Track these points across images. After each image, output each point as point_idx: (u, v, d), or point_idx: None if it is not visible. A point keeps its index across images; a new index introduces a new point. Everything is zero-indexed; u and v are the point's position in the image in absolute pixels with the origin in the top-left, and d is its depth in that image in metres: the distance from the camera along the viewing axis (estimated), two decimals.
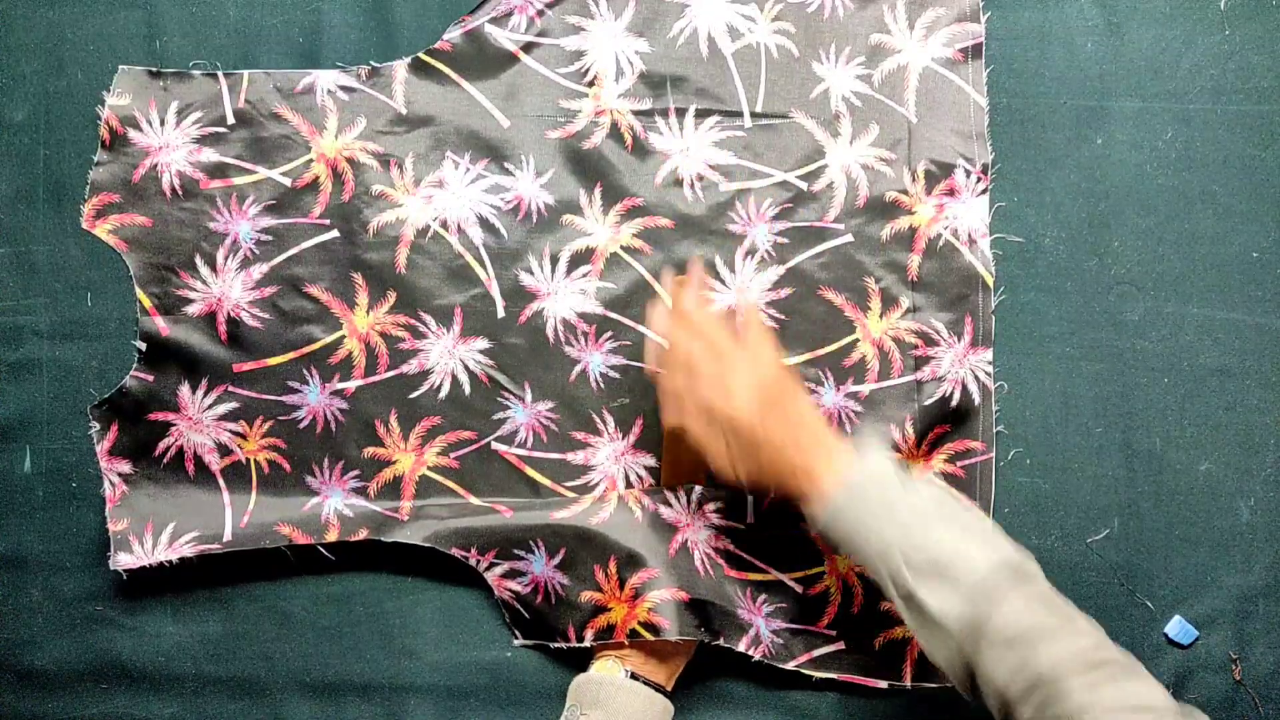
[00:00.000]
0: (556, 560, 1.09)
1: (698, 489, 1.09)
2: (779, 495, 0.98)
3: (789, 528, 1.09)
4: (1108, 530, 1.10)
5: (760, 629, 1.09)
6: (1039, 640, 0.80)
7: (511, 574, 1.09)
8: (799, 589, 1.10)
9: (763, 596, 1.10)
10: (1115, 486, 1.10)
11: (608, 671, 1.02)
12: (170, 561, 1.09)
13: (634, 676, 1.02)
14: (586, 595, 1.09)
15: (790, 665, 1.09)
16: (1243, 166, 1.10)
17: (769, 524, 1.10)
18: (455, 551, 1.08)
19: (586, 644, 1.08)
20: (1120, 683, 0.77)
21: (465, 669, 1.10)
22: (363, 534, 1.09)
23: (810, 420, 0.94)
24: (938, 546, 0.86)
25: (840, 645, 1.09)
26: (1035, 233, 1.10)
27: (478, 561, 1.09)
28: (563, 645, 1.09)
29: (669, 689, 1.05)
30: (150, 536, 1.09)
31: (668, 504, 1.10)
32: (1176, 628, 1.09)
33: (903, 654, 1.09)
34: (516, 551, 1.09)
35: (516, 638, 1.10)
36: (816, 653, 1.09)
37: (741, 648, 1.08)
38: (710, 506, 1.10)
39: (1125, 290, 1.10)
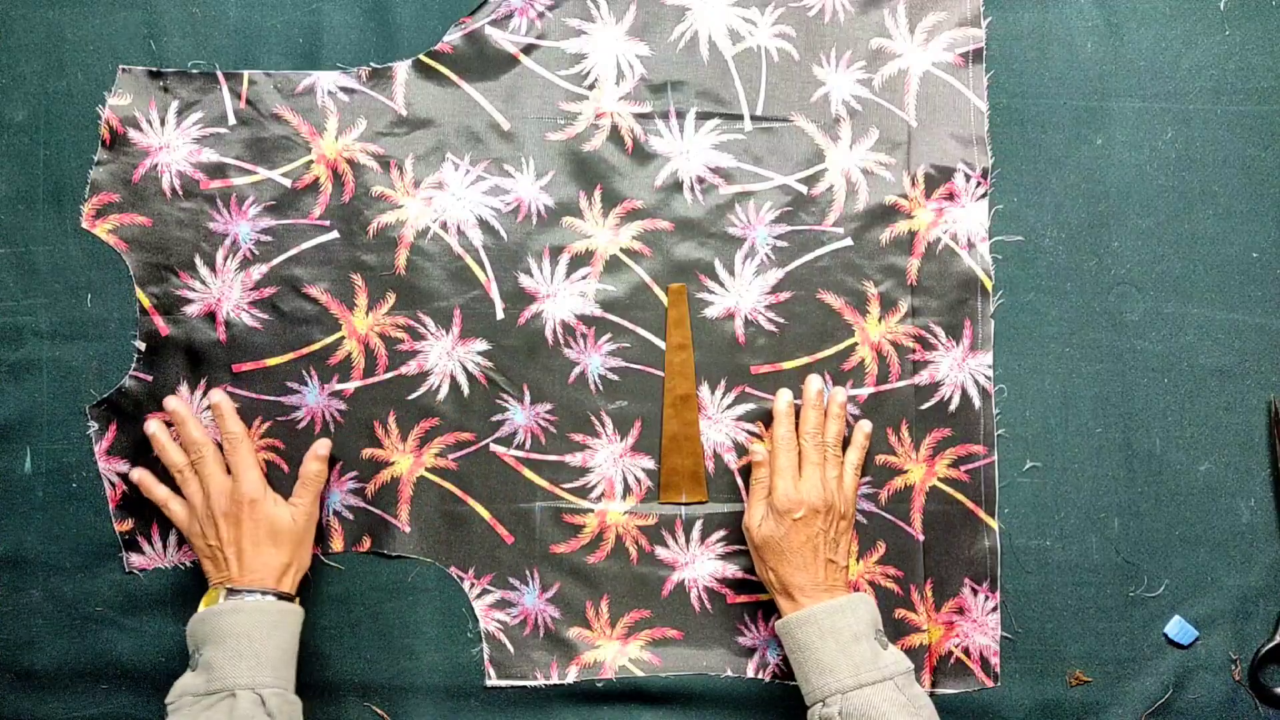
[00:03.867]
0: (549, 594, 1.10)
1: (699, 523, 1.10)
2: (770, 568, 1.03)
3: None
4: (1108, 530, 1.10)
5: (768, 651, 1.10)
6: None
7: (502, 604, 1.10)
8: None
9: (775, 615, 1.10)
10: (1115, 486, 1.10)
11: (209, 603, 1.00)
12: (185, 564, 1.09)
13: (234, 591, 1.00)
14: (575, 631, 1.10)
15: None
16: (1243, 166, 1.10)
17: None
18: (454, 570, 1.10)
19: (569, 681, 1.09)
20: None
21: (465, 669, 1.10)
22: (366, 544, 1.10)
23: (841, 558, 1.04)
24: (873, 703, 0.94)
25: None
26: (1035, 233, 1.10)
27: (471, 585, 1.10)
28: (541, 684, 1.09)
29: (288, 589, 1.03)
30: (158, 537, 1.10)
31: (665, 544, 1.10)
32: (1176, 628, 1.09)
33: (920, 661, 1.09)
34: (511, 580, 1.10)
35: (490, 678, 1.10)
36: None
37: (750, 673, 1.09)
38: (714, 537, 1.10)
39: (1125, 290, 1.10)
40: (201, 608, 1.01)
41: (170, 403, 1.07)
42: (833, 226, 1.10)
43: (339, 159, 1.10)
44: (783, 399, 1.07)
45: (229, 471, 1.05)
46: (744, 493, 1.10)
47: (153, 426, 1.07)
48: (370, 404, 1.10)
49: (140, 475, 1.08)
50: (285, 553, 1.03)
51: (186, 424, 1.05)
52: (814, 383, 1.07)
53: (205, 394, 1.09)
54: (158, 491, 1.07)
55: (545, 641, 1.10)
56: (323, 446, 1.07)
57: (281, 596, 1.01)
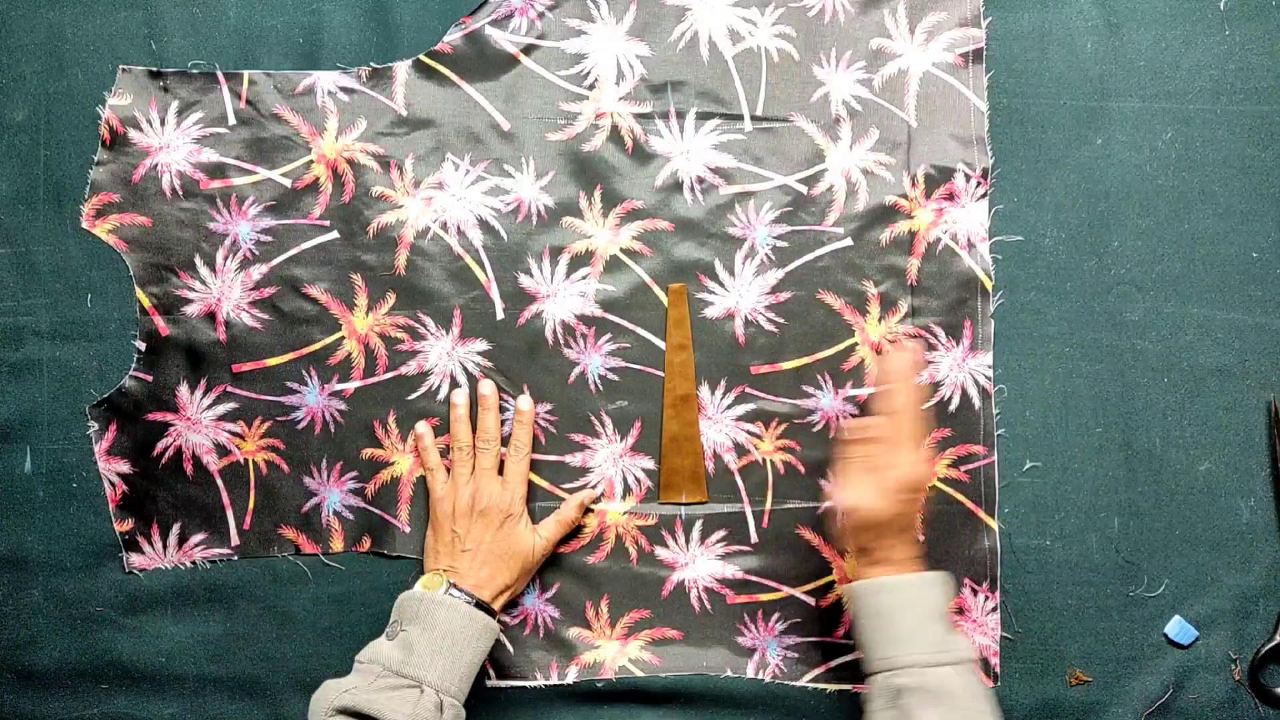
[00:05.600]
0: (549, 594, 1.10)
1: (699, 523, 1.10)
2: (849, 544, 1.00)
3: (792, 539, 1.11)
4: (1108, 530, 1.10)
5: (768, 651, 1.10)
6: None
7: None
8: (811, 601, 1.10)
9: (775, 615, 1.10)
10: (1115, 486, 1.10)
11: (431, 587, 1.01)
12: (185, 564, 1.10)
13: (456, 589, 1.01)
14: (575, 631, 1.10)
15: (803, 681, 1.09)
16: (1243, 166, 1.10)
17: (772, 539, 1.11)
18: None
19: (569, 681, 1.09)
20: None
21: None
22: (366, 544, 1.10)
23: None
24: (950, 682, 0.91)
25: (858, 655, 1.10)
26: (1035, 233, 1.10)
27: None
28: (540, 684, 1.09)
29: (496, 608, 1.04)
30: (158, 537, 1.10)
31: (664, 544, 1.10)
32: (1176, 628, 1.09)
33: None
34: None
35: (490, 678, 1.10)
36: (835, 663, 1.10)
37: (750, 673, 1.09)
38: (714, 537, 1.10)
39: (1125, 290, 1.10)
40: (419, 587, 1.02)
41: (485, 387, 1.09)
42: (833, 227, 1.10)
43: (339, 159, 1.10)
44: (901, 359, 0.99)
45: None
46: (740, 491, 1.10)
47: (459, 396, 1.09)
48: (370, 404, 1.10)
49: (424, 431, 1.10)
50: (511, 575, 1.05)
51: (490, 413, 1.09)
52: (906, 354, 1.01)
53: (206, 394, 1.10)
54: (433, 455, 1.09)
55: (545, 641, 1.10)
56: (587, 498, 1.10)
57: (489, 613, 1.03)
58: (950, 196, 1.10)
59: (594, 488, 1.11)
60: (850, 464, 0.97)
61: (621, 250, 1.10)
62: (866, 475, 0.96)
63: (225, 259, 1.10)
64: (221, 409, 1.10)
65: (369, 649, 0.98)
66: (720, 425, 1.10)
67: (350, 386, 1.10)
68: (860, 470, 0.97)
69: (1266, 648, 1.09)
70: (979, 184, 1.09)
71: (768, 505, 1.10)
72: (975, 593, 1.10)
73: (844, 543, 1.00)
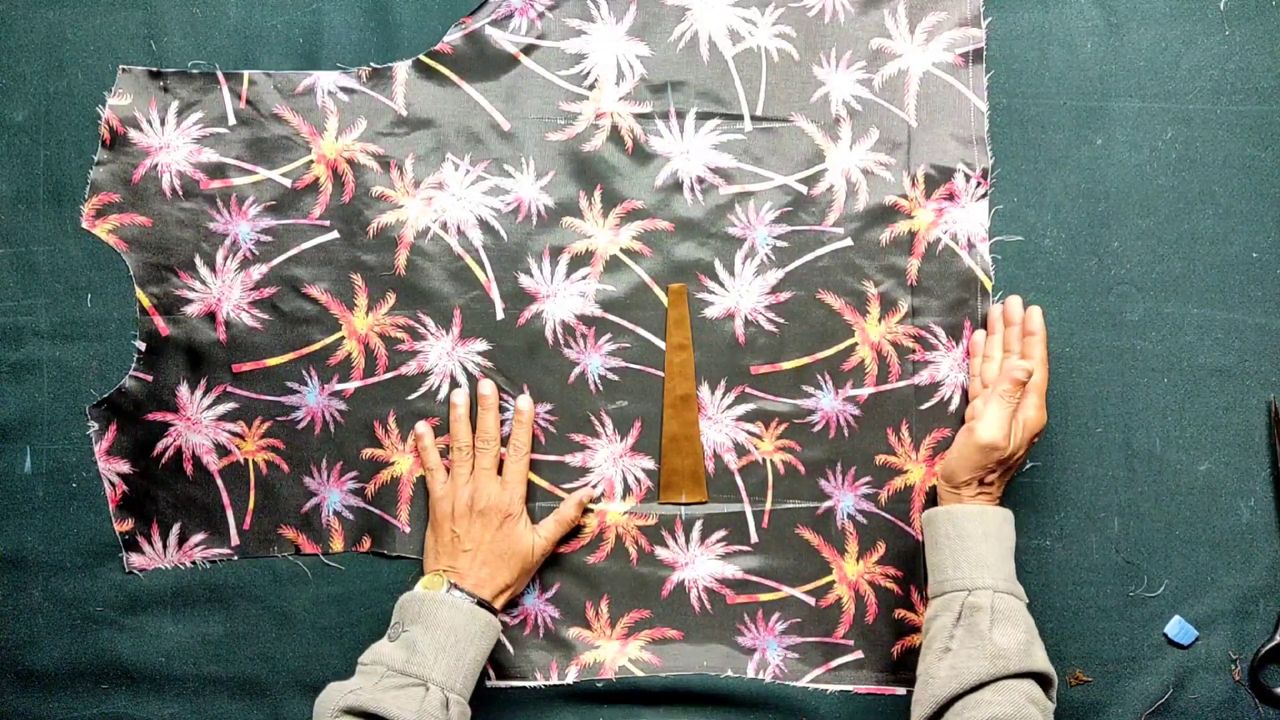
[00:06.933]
0: (549, 594, 1.10)
1: (699, 523, 1.10)
2: (966, 474, 1.01)
3: (792, 539, 1.11)
4: (1108, 530, 1.10)
5: (768, 651, 1.10)
6: None
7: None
8: (811, 601, 1.10)
9: (775, 615, 1.10)
10: (1115, 486, 1.10)
11: (432, 587, 1.02)
12: (185, 564, 1.10)
13: (457, 589, 1.02)
14: (575, 631, 1.10)
15: (804, 681, 1.09)
16: (1243, 166, 1.10)
17: (772, 539, 1.11)
18: None
19: (569, 681, 1.09)
20: None
21: None
22: (366, 544, 1.10)
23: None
24: (1018, 611, 0.96)
25: (859, 654, 1.10)
26: (1035, 233, 1.10)
27: None
28: (540, 684, 1.09)
29: (497, 607, 1.04)
30: (158, 537, 1.10)
31: (664, 544, 1.10)
32: (1176, 628, 1.09)
33: None
34: None
35: (490, 678, 1.10)
36: (835, 663, 1.10)
37: (751, 673, 1.09)
38: (714, 537, 1.11)
39: (1125, 290, 1.10)
40: (419, 588, 1.02)
41: (485, 387, 1.09)
42: (833, 227, 1.10)
43: (339, 159, 1.10)
44: (1040, 315, 1.06)
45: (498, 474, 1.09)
46: (740, 491, 1.10)
47: (459, 396, 1.09)
48: (370, 404, 1.10)
49: (424, 431, 1.10)
50: (511, 575, 1.06)
51: (490, 413, 1.09)
52: (1039, 310, 1.07)
53: (206, 394, 1.10)
54: (432, 455, 1.09)
55: (545, 642, 1.10)
56: (585, 496, 1.11)
57: (490, 611, 1.03)
58: (950, 196, 1.10)
59: (594, 487, 1.11)
60: (1003, 404, 0.99)
61: (621, 250, 1.10)
62: (1010, 417, 0.99)
63: (225, 259, 1.10)
64: (221, 409, 1.10)
65: (371, 650, 0.98)
66: (720, 425, 1.10)
67: (350, 386, 1.10)
68: (1008, 411, 0.99)
69: (1266, 648, 1.09)
70: (979, 184, 1.10)
71: (768, 505, 1.10)
72: None
73: (958, 471, 1.00)
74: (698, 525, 1.11)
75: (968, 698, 0.90)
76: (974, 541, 0.98)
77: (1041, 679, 0.92)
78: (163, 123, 1.10)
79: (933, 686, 0.92)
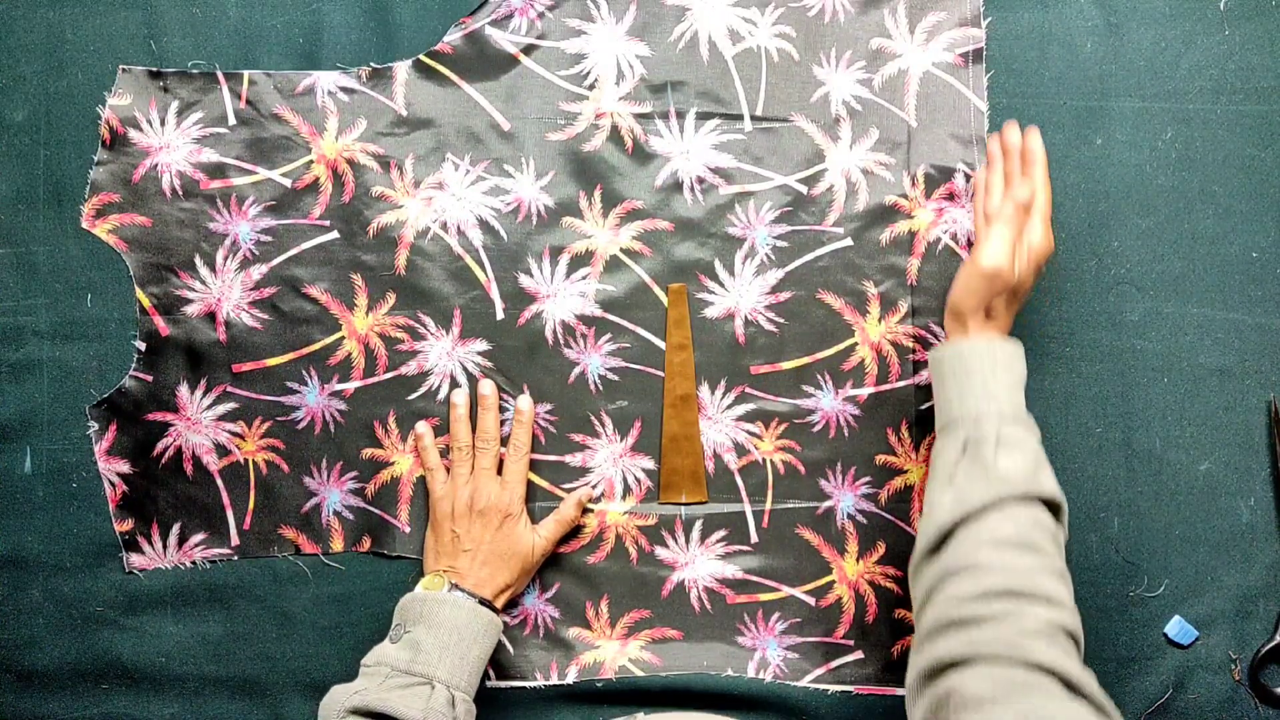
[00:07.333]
0: (549, 594, 1.10)
1: (699, 523, 1.11)
2: (971, 304, 0.97)
3: (792, 539, 1.11)
4: (1108, 530, 1.10)
5: (768, 651, 1.10)
6: (1036, 563, 0.86)
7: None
8: (811, 601, 1.10)
9: (775, 614, 1.10)
10: (1115, 486, 1.10)
11: (432, 587, 1.02)
12: (185, 564, 1.10)
13: (457, 588, 1.02)
14: (575, 631, 1.10)
15: (804, 681, 1.09)
16: (1243, 166, 1.10)
17: (772, 538, 1.11)
18: None
19: (569, 681, 1.09)
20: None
21: None
22: (366, 544, 1.10)
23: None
24: (1025, 440, 0.92)
25: (859, 654, 1.10)
26: None
27: None
28: (540, 684, 1.09)
29: (498, 606, 1.04)
30: (158, 537, 1.10)
31: (664, 544, 1.11)
32: (1176, 628, 1.09)
33: None
34: None
35: (490, 678, 1.10)
36: (835, 663, 1.10)
37: (751, 673, 1.09)
38: (714, 537, 1.11)
39: (1125, 290, 1.10)
40: (420, 589, 1.02)
41: (485, 387, 1.09)
42: (833, 226, 1.10)
43: (339, 159, 1.10)
44: (1039, 139, 1.01)
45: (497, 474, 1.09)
46: (740, 491, 1.10)
47: (459, 396, 1.09)
48: (370, 404, 1.10)
49: (424, 431, 1.10)
50: (511, 575, 1.05)
51: (489, 413, 1.09)
52: (1037, 134, 1.02)
53: (206, 394, 1.10)
54: (432, 455, 1.09)
55: (545, 642, 1.10)
56: (584, 495, 1.11)
57: (492, 610, 1.03)
58: (950, 196, 1.10)
59: (594, 487, 1.11)
60: (1006, 228, 0.96)
61: (621, 250, 1.10)
62: (1014, 241, 0.96)
63: (225, 259, 1.10)
64: (221, 409, 1.10)
65: (374, 653, 0.98)
66: (720, 425, 1.10)
67: (350, 386, 1.10)
68: (1010, 235, 0.96)
69: (1266, 648, 1.09)
70: None
71: (768, 505, 1.10)
72: None
73: (963, 302, 0.97)
74: (698, 525, 1.11)
75: (971, 523, 0.88)
76: (980, 373, 0.94)
77: (1051, 507, 0.90)
78: (163, 123, 1.10)
79: (935, 514, 0.90)
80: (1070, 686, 0.77)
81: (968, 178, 1.10)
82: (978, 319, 0.97)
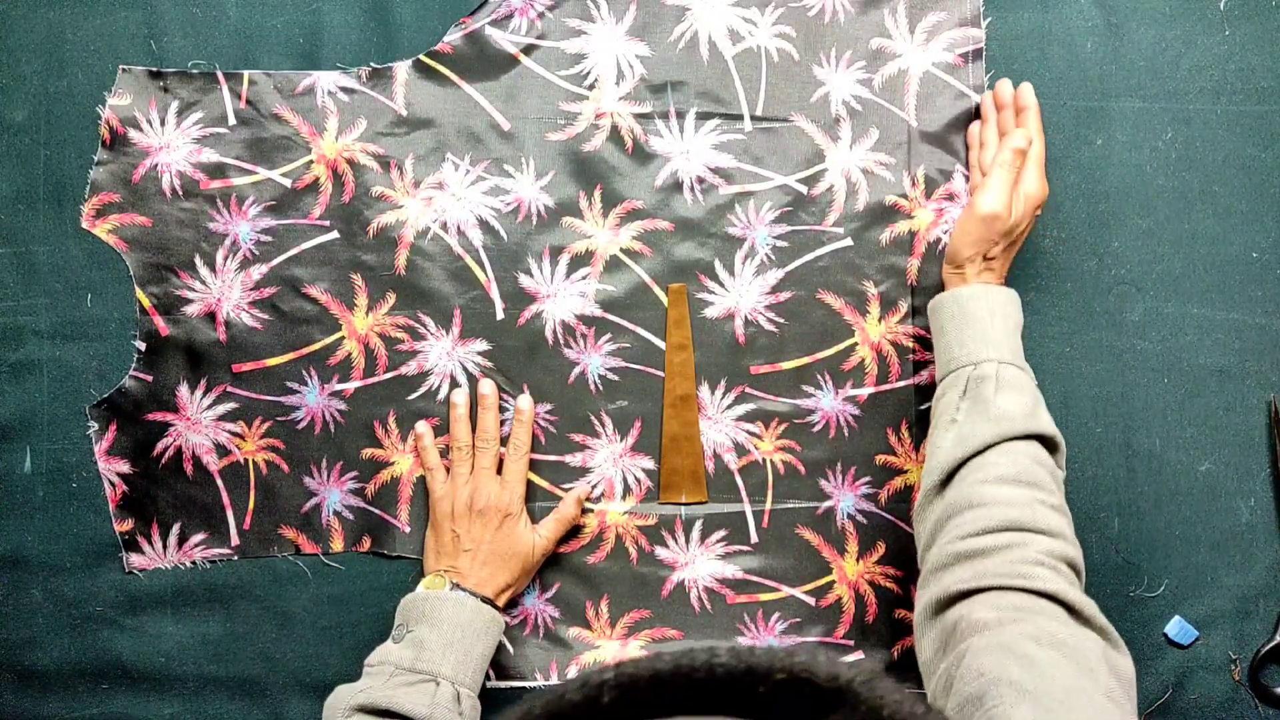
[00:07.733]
0: (549, 594, 1.10)
1: (699, 523, 1.11)
2: (969, 250, 0.99)
3: (792, 539, 1.11)
4: (1108, 530, 1.10)
5: None
6: (1040, 497, 0.88)
7: None
8: (811, 601, 1.10)
9: (775, 614, 1.10)
10: (1115, 486, 1.10)
11: (434, 587, 1.02)
12: (185, 564, 1.10)
13: (458, 588, 1.02)
14: (575, 631, 1.10)
15: None
16: (1242, 166, 1.10)
17: (772, 538, 1.11)
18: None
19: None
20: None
21: None
22: (366, 544, 1.10)
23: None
24: (1022, 380, 0.95)
25: (859, 655, 1.10)
26: (1035, 233, 1.10)
27: None
28: (540, 684, 1.09)
29: (500, 604, 1.04)
30: (158, 537, 1.10)
31: (664, 544, 1.11)
32: (1176, 628, 1.09)
33: None
34: None
35: (490, 678, 1.10)
36: None
37: None
38: (714, 537, 1.11)
39: (1125, 290, 1.10)
40: (421, 588, 1.02)
41: (485, 386, 1.09)
42: (833, 226, 1.10)
43: (339, 159, 1.10)
44: (1031, 90, 1.05)
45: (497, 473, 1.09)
46: (740, 491, 1.10)
47: (459, 396, 1.09)
48: (370, 404, 1.10)
49: (424, 431, 1.10)
50: (512, 574, 1.06)
51: (489, 413, 1.09)
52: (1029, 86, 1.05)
53: (206, 394, 1.10)
54: (432, 455, 1.09)
55: (545, 641, 1.10)
56: (583, 493, 1.11)
57: (494, 608, 1.03)
58: (950, 197, 1.10)
59: (593, 487, 1.11)
60: (1004, 172, 0.98)
61: (621, 250, 1.10)
62: (1011, 187, 0.98)
63: (225, 259, 1.10)
64: (221, 409, 1.10)
65: (378, 652, 0.98)
66: (720, 425, 1.10)
67: (350, 386, 1.10)
68: (1008, 180, 0.98)
69: (1266, 648, 1.09)
70: None
71: (768, 505, 1.10)
72: None
73: (961, 248, 0.99)
74: (698, 525, 1.11)
75: (972, 462, 0.90)
76: (979, 320, 0.97)
77: (1049, 444, 0.93)
78: (163, 123, 1.10)
79: (939, 455, 0.93)
80: (1073, 612, 0.81)
81: (967, 178, 1.10)
82: (975, 265, 0.99)
